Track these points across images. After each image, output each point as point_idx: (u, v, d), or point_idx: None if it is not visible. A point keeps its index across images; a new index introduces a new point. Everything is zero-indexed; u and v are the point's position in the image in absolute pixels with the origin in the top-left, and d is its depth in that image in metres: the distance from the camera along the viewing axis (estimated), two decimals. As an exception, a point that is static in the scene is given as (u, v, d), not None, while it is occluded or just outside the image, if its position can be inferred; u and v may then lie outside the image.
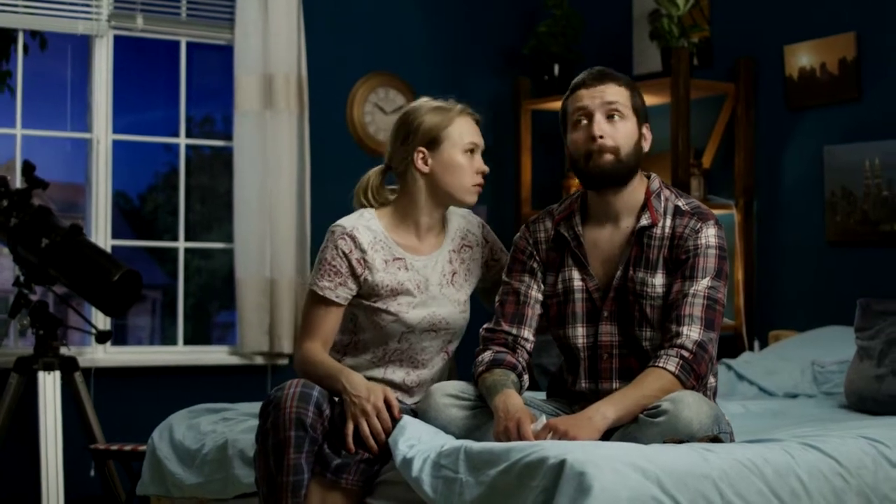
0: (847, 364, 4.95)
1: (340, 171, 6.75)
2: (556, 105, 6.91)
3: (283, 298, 6.48)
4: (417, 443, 3.47)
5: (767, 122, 6.27)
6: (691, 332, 3.57)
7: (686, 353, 3.55)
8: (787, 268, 6.12)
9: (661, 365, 3.54)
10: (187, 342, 6.67)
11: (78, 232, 5.46)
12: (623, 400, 3.48)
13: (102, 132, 6.34)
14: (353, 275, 3.91)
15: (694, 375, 3.55)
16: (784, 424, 4.18)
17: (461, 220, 4.11)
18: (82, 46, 6.45)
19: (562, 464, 3.02)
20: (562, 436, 3.37)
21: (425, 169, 3.95)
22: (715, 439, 3.39)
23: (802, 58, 6.03)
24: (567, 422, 3.43)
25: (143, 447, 5.37)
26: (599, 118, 3.69)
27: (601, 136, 3.67)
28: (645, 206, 3.74)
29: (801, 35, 6.07)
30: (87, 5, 6.27)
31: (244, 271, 6.49)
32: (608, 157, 3.69)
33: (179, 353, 6.62)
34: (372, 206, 4.04)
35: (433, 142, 3.94)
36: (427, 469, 3.35)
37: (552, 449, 3.10)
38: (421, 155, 3.95)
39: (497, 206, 7.16)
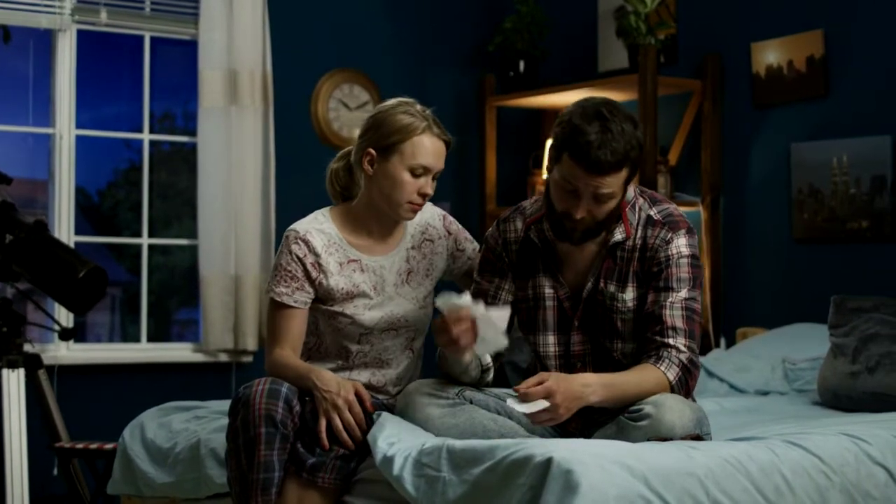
0: (818, 361, 4.97)
1: (305, 167, 6.72)
2: (522, 102, 7.01)
3: (247, 295, 6.44)
4: (397, 441, 3.44)
5: (734, 119, 6.27)
6: (685, 345, 3.54)
7: (687, 364, 3.53)
8: (754, 265, 6.13)
9: (662, 369, 3.51)
10: (148, 339, 6.62)
11: (43, 228, 5.39)
12: (613, 391, 3.45)
13: (66, 127, 6.28)
14: (309, 278, 3.87)
15: (685, 390, 3.55)
16: (760, 421, 4.18)
17: (421, 214, 4.03)
18: (44, 40, 6.39)
19: (548, 462, 3.01)
20: (547, 389, 3.34)
21: (369, 171, 3.88)
22: (697, 438, 3.39)
23: (770, 55, 6.04)
24: (559, 382, 3.39)
25: (108, 446, 5.32)
26: (586, 202, 3.53)
27: (581, 218, 3.55)
28: (619, 217, 3.65)
29: (769, 33, 6.08)
30: (51, -1, 6.23)
31: (208, 268, 6.44)
32: (582, 227, 3.58)
33: (143, 351, 6.56)
34: (340, 196, 4.01)
35: (385, 149, 3.84)
36: (408, 468, 3.33)
37: (538, 447, 3.09)
38: (368, 157, 3.87)
39: (461, 203, 7.14)
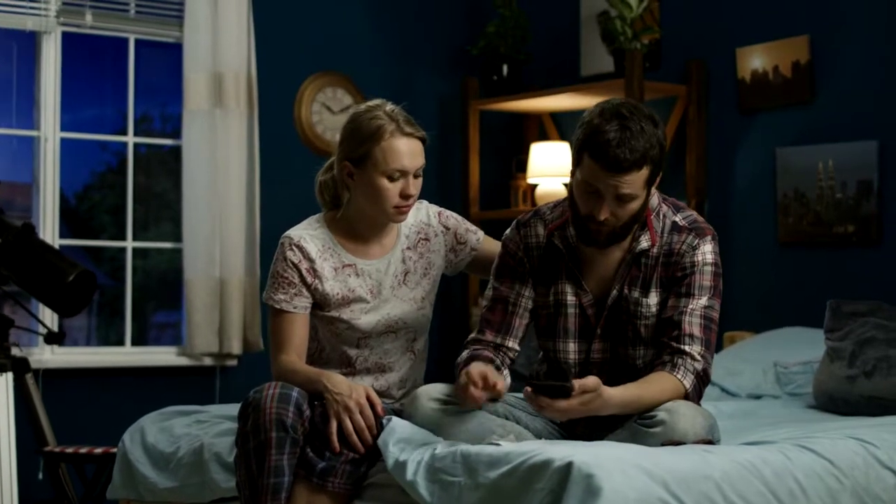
0: (810, 365, 5.00)
1: (288, 170, 6.72)
2: (505, 105, 7.02)
3: (232, 299, 6.41)
4: (409, 445, 3.44)
5: (719, 124, 6.31)
6: (700, 354, 3.56)
7: (701, 374, 3.55)
8: (739, 269, 6.15)
9: (679, 377, 3.52)
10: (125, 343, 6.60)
11: (31, 231, 5.37)
12: (632, 403, 3.45)
13: (50, 130, 6.25)
14: (305, 284, 3.87)
15: (698, 397, 3.57)
16: (758, 425, 4.19)
17: (416, 213, 4.03)
18: (27, 43, 6.35)
19: (568, 466, 3.01)
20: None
21: (350, 182, 3.87)
22: (709, 443, 3.41)
23: (755, 60, 6.08)
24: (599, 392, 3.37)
25: (98, 450, 5.30)
26: (609, 203, 3.51)
27: (605, 219, 3.53)
28: (644, 225, 3.64)
29: (754, 38, 6.11)
30: (36, 1, 6.17)
31: (193, 271, 6.41)
32: (607, 230, 3.56)
33: (127, 354, 6.52)
34: (330, 204, 3.99)
35: (359, 159, 3.82)
36: (422, 473, 3.32)
37: (556, 451, 3.09)
38: (346, 169, 3.86)
39: (444, 207, 7.11)
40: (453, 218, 4.11)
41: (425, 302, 4.02)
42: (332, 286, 3.88)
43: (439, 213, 4.09)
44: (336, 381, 3.71)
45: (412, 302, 3.98)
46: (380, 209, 3.85)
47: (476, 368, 3.46)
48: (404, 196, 3.82)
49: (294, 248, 3.88)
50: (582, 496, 2.96)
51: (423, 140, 3.86)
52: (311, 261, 3.87)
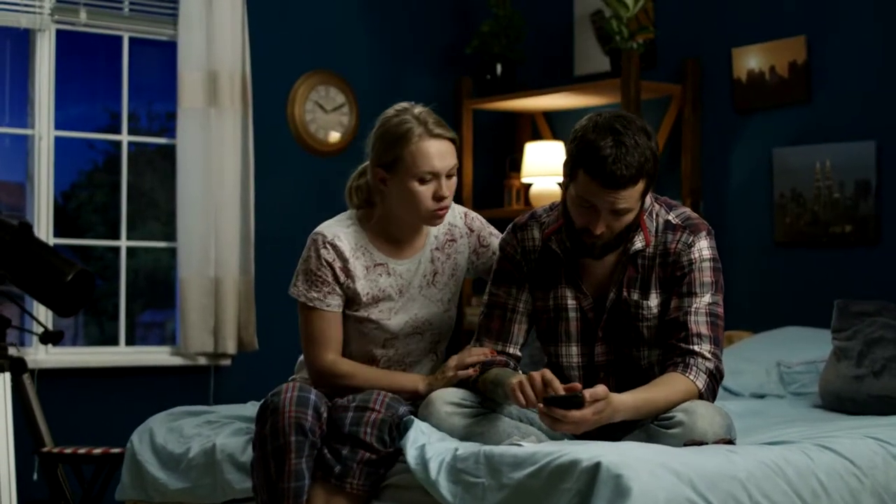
0: (814, 365, 5.01)
1: (281, 168, 6.70)
2: (499, 105, 7.02)
3: (227, 298, 6.37)
4: (429, 444, 3.43)
5: (715, 124, 6.31)
6: (710, 352, 3.55)
7: (714, 372, 3.55)
8: (736, 269, 6.15)
9: (691, 378, 3.52)
10: (114, 342, 6.56)
11: (28, 230, 5.33)
12: (642, 413, 3.46)
13: (45, 128, 6.21)
14: (338, 283, 3.86)
15: (713, 395, 3.57)
16: (766, 424, 4.20)
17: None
18: (21, 41, 6.31)
19: (597, 466, 3.01)
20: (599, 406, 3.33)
21: (383, 188, 3.85)
22: (728, 442, 3.41)
23: (751, 60, 6.09)
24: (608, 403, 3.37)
25: (97, 450, 5.27)
26: (605, 217, 3.51)
27: (600, 233, 3.53)
28: (638, 226, 3.64)
29: (751, 38, 6.12)
30: (30, -1, 6.16)
31: (187, 270, 6.37)
32: (602, 242, 3.57)
33: (121, 354, 6.48)
34: (360, 206, 3.97)
35: (389, 165, 3.81)
36: (444, 473, 3.32)
37: (582, 451, 3.09)
38: (380, 175, 3.85)
39: (437, 206, 7.12)
40: (478, 220, 4.09)
41: (451, 304, 4.02)
42: (362, 285, 3.87)
43: (465, 214, 4.08)
44: (428, 378, 3.83)
45: (439, 304, 3.98)
46: (415, 214, 3.83)
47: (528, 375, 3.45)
48: (438, 198, 3.80)
49: (328, 245, 3.86)
50: (610, 496, 2.96)
51: (453, 141, 3.85)
52: (344, 260, 3.86)
